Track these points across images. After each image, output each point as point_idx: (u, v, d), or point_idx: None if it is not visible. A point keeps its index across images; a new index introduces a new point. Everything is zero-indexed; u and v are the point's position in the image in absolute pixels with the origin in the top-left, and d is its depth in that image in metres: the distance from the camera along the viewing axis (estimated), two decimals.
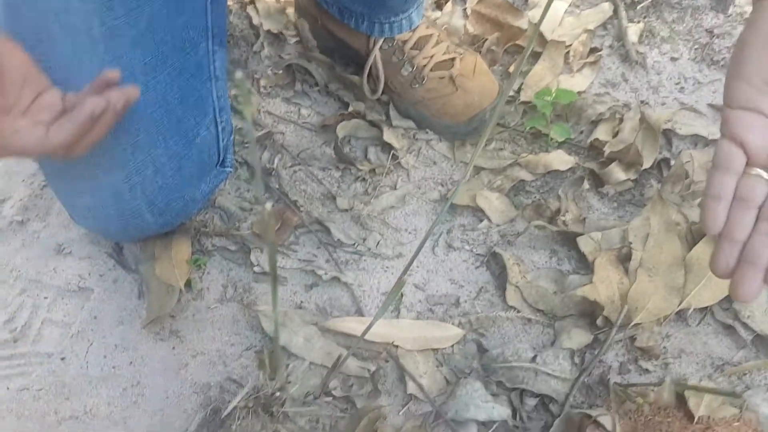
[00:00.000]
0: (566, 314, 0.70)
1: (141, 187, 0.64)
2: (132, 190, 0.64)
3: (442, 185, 0.81)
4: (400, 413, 0.65)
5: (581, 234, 0.73)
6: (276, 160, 0.81)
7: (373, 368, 0.66)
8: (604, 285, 0.70)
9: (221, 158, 0.72)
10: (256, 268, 0.73)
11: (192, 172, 0.68)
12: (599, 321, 0.67)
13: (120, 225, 0.67)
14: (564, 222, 0.75)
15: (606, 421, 0.61)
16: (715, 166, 0.45)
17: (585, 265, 0.73)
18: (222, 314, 0.71)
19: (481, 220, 0.78)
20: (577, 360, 0.66)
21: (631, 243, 0.72)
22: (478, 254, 0.75)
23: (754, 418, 0.61)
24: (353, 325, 0.69)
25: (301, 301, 0.72)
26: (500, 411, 0.62)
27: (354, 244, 0.75)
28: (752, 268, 0.44)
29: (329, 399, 0.64)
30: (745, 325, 0.67)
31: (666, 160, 0.80)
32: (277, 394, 0.59)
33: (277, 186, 0.79)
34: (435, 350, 0.68)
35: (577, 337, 0.67)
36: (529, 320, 0.70)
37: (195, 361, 0.68)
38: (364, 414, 0.63)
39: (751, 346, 0.66)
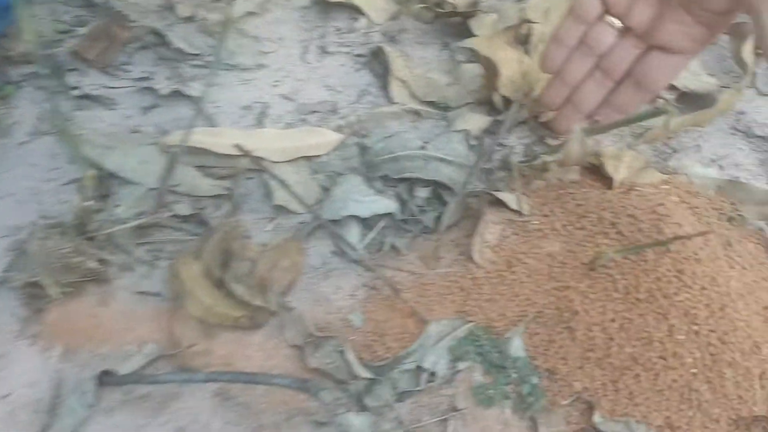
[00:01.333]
0: (461, 104, 0.59)
1: None
2: None
3: None
4: (267, 229, 0.53)
5: (473, 15, 0.63)
6: None
7: (230, 185, 0.54)
8: (502, 66, 0.59)
9: None
10: (75, 92, 0.59)
11: None
12: (496, 99, 0.57)
13: None
14: (452, 5, 0.63)
15: (509, 199, 0.51)
16: (570, 12, 0.46)
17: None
18: (36, 149, 0.56)
19: (358, 20, 0.65)
20: (474, 143, 0.55)
21: (530, 19, 0.61)
22: (357, 56, 0.63)
23: (685, 180, 0.53)
24: (203, 138, 0.56)
25: (137, 125, 0.57)
26: (386, 204, 0.51)
27: (201, 54, 0.62)
28: (575, 109, 0.47)
29: (172, 218, 0.51)
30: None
31: None
32: (93, 206, 0.46)
33: (102, 1, 0.64)
34: (309, 159, 0.56)
35: (474, 121, 0.56)
36: (419, 113, 0.58)
37: (2, 203, 0.54)
38: (218, 231, 0.50)
39: (675, 106, 0.57)
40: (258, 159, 0.54)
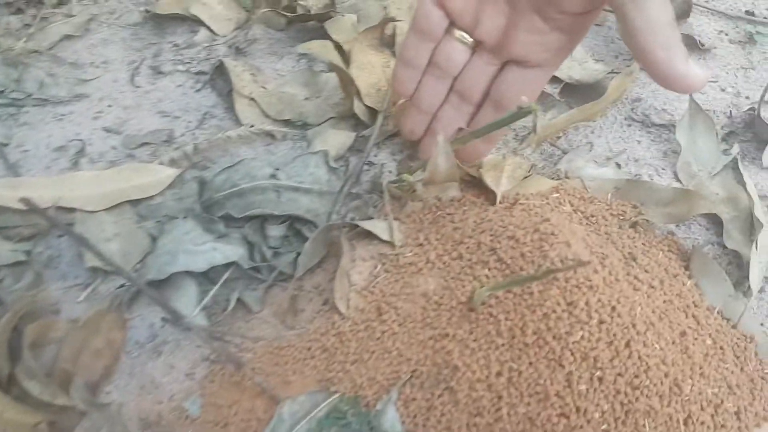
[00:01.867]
0: (323, 120, 0.50)
1: None
2: None
3: (147, 3, 0.58)
4: (81, 299, 0.42)
5: (330, 18, 0.54)
6: None
7: (31, 248, 0.43)
8: (366, 72, 0.51)
9: None
10: None
11: None
12: (360, 111, 0.48)
13: None
14: (305, 7, 0.55)
15: (379, 228, 0.42)
16: (413, 28, 0.40)
17: (344, 59, 0.54)
18: None
19: (199, 33, 0.56)
20: (336, 165, 0.47)
21: (394, 17, 0.54)
22: (197, 74, 0.53)
23: (578, 184, 0.46)
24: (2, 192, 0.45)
25: None
26: (227, 252, 0.41)
27: (4, 90, 0.51)
28: (435, 139, 0.41)
29: None
30: None
31: None
32: None
33: None
34: (135, 203, 0.46)
35: (335, 139, 0.48)
36: (272, 135, 0.49)
37: None
38: (9, 310, 0.40)
39: (559, 100, 0.51)
40: (68, 210, 0.44)
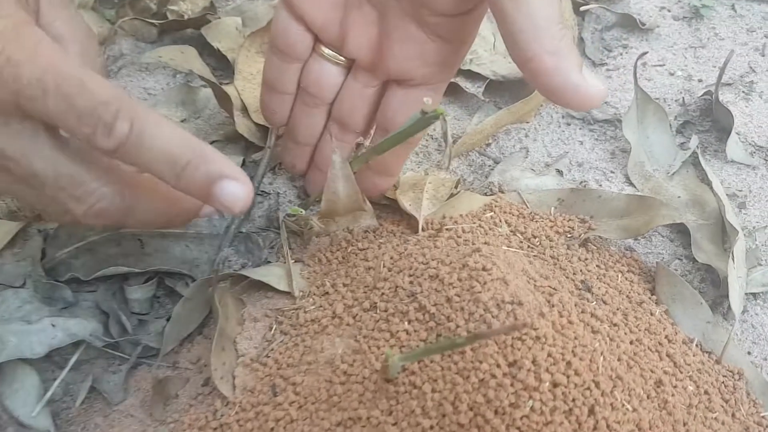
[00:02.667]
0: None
1: None
2: None
3: None
4: None
5: (209, 22, 0.46)
6: None
7: None
8: (255, 84, 0.42)
9: None
10: None
11: None
12: (246, 130, 0.40)
13: None
14: (178, 13, 0.46)
15: (273, 276, 0.33)
16: (271, 47, 0.34)
17: (229, 70, 0.46)
18: None
19: None
20: None
21: None
22: None
23: (515, 199, 0.38)
24: None
25: None
26: (72, 328, 0.32)
27: None
28: (321, 174, 0.36)
29: None
30: (469, 74, 0.44)
31: None
32: None
33: None
34: None
35: None
36: None
37: None
38: None
39: (485, 100, 0.43)
40: None
